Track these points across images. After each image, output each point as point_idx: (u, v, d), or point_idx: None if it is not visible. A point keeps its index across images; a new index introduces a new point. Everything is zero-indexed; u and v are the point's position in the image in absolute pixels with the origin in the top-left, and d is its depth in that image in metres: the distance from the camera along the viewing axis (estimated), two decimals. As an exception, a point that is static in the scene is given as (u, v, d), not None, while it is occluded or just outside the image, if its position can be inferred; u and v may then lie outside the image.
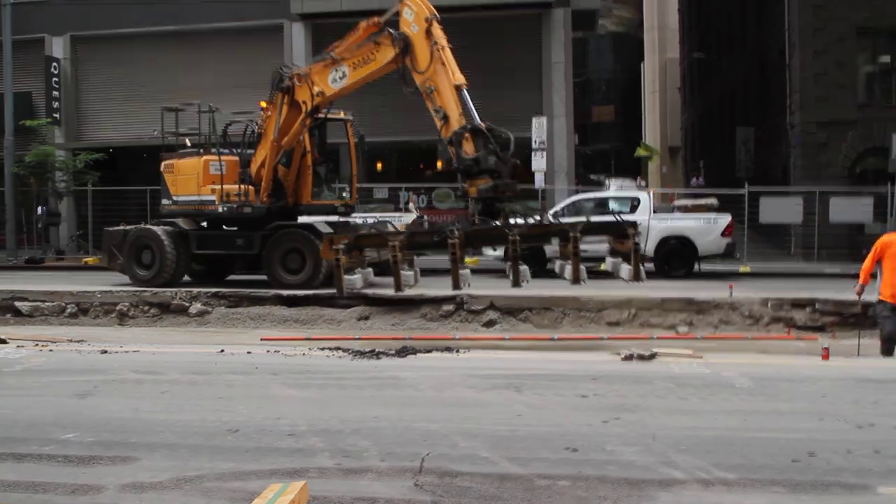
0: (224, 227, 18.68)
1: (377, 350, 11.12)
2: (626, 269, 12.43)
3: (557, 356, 11.39)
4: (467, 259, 21.22)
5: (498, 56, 29.95)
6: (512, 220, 13.30)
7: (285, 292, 16.05)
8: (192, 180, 18.04)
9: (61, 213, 31.25)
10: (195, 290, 16.49)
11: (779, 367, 10.41)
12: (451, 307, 14.99)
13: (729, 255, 22.04)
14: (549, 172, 28.24)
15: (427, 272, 18.41)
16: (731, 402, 8.08)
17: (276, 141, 16.81)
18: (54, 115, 32.12)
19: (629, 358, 10.45)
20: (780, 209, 25.35)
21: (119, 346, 11.53)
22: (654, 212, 21.75)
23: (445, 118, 14.06)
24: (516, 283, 12.42)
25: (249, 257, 18.11)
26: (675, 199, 29.02)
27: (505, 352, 12.03)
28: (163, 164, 18.70)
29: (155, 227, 18.26)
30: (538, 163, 26.18)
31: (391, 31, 15.14)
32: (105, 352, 10.98)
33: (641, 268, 12.36)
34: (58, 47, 32.90)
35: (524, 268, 12.49)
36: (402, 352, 11.07)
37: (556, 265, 13.37)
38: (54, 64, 32.30)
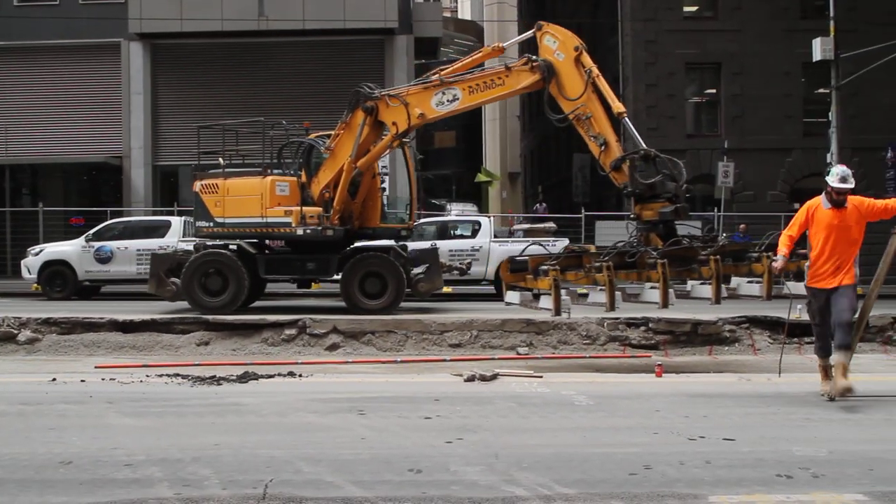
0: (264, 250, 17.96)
1: (218, 376, 10.93)
2: (757, 287, 12.36)
3: (401, 378, 11.43)
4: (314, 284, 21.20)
5: (342, 81, 29.95)
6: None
7: (120, 317, 15.50)
8: (252, 201, 16.61)
9: None
10: (24, 316, 15.75)
11: (615, 384, 10.79)
12: (293, 331, 14.82)
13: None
14: (392, 197, 28.37)
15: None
16: (570, 419, 8.30)
17: (353, 162, 16.22)
18: None
19: (471, 379, 10.61)
20: (615, 232, 26.15)
21: (-61, 377, 10.93)
22: (495, 236, 22.14)
23: (605, 144, 14.02)
24: (717, 300, 12.14)
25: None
26: (515, 223, 29.64)
27: (348, 375, 11.98)
28: (198, 184, 17.16)
29: (224, 251, 17.11)
30: (381, 187, 26.28)
31: (533, 57, 15.02)
32: (-76, 383, 10.40)
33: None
34: None
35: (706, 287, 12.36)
36: (244, 377, 10.90)
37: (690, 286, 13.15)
38: None
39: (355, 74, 30.37)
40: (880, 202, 9.54)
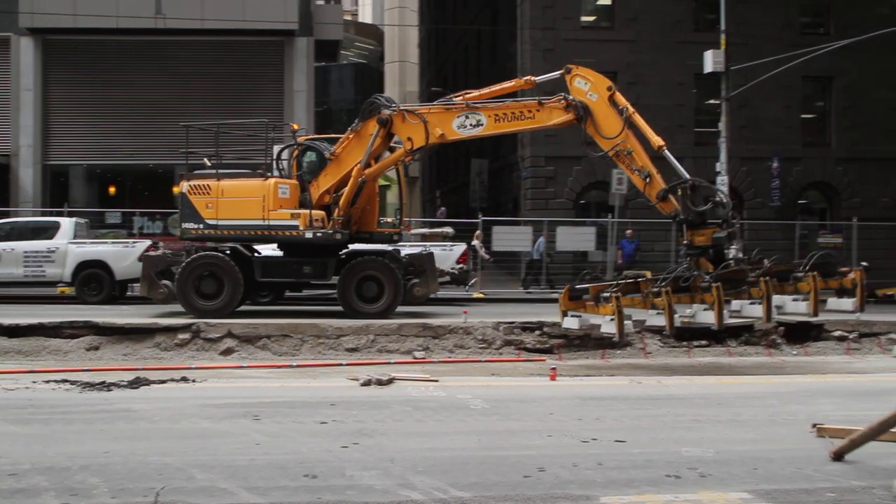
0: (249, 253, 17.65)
1: (108, 382, 10.69)
2: (849, 302, 13.59)
3: (296, 383, 11.35)
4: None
5: (241, 82, 29.67)
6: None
7: (6, 321, 15.00)
8: (252, 204, 16.23)
9: None
10: None
11: (511, 387, 10.92)
12: (186, 336, 14.57)
13: (463, 281, 22.74)
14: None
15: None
16: (466, 422, 8.37)
17: (363, 169, 16.08)
18: None
19: (368, 383, 10.60)
20: (512, 238, 26.51)
21: None
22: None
23: (649, 177, 14.21)
24: (769, 319, 12.99)
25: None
26: (412, 228, 29.68)
27: (243, 380, 11.82)
28: (186, 184, 16.68)
29: (220, 254, 16.73)
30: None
31: (568, 97, 15.08)
32: None
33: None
34: None
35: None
36: (135, 383, 10.69)
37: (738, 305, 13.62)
38: None
39: (255, 75, 30.17)
40: None
